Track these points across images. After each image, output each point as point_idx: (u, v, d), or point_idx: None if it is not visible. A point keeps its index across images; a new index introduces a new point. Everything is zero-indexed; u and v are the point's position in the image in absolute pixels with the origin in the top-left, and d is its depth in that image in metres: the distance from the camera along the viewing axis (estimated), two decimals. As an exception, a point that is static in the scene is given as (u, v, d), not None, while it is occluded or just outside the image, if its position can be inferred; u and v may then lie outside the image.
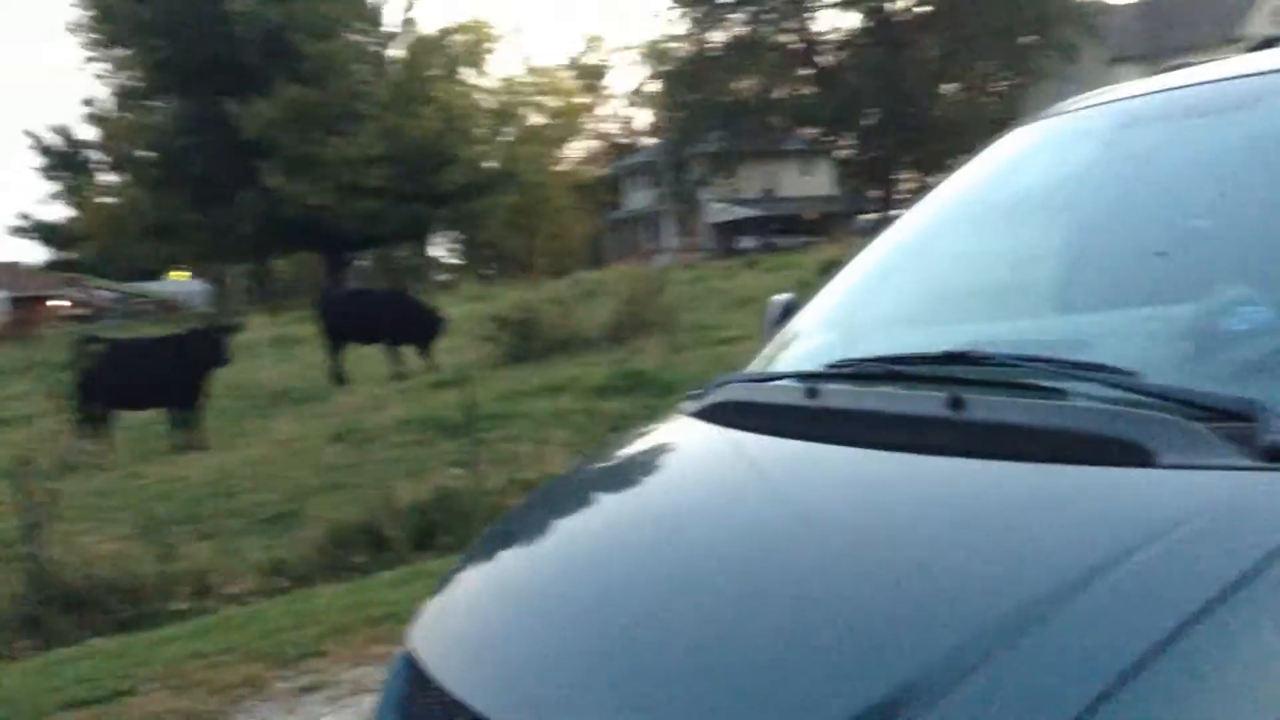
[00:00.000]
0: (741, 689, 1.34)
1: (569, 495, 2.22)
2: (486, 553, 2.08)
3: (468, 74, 46.00)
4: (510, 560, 2.01)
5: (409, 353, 14.90)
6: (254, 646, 4.94)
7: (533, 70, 51.00)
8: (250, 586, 6.42)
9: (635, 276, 17.86)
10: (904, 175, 40.20)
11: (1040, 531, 1.44)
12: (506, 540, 2.11)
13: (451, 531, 6.43)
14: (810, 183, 52.51)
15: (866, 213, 38.61)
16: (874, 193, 40.24)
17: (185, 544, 6.82)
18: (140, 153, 43.94)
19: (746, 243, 46.82)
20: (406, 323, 14.83)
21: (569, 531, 2.02)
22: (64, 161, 52.83)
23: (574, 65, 60.24)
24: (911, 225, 2.70)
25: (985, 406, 1.67)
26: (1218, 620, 1.16)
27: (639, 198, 58.30)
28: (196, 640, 5.23)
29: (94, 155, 50.44)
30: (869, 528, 1.61)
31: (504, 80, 48.23)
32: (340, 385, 14.33)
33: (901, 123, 37.38)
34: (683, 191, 45.58)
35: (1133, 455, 1.46)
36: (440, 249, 58.61)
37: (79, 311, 45.81)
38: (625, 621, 1.59)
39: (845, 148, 43.17)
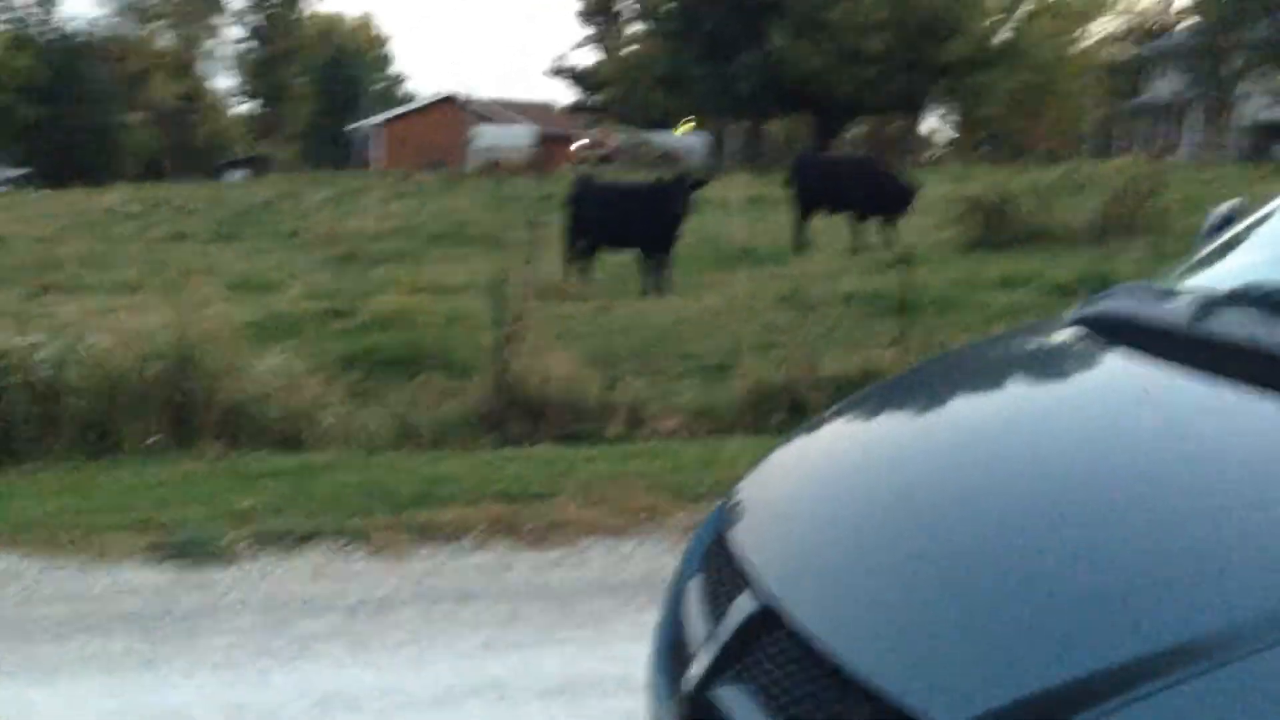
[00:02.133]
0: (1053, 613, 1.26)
1: (914, 387, 2.15)
2: (817, 426, 2.08)
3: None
4: (831, 440, 1.99)
5: (873, 226, 14.78)
6: (663, 479, 5.32)
7: (1064, -63, 46.98)
8: (676, 425, 6.87)
9: (1135, 171, 16.28)
10: None
11: None
12: (839, 417, 2.09)
13: (869, 408, 6.43)
14: (1385, 83, 44.39)
15: None
16: None
17: (630, 377, 7.39)
18: (661, 4, 46.28)
19: (1285, 148, 40.89)
20: (873, 194, 14.65)
21: (895, 425, 1.97)
22: (599, 8, 56.65)
23: (1114, -68, 54.52)
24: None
25: None
26: None
27: (1164, 86, 52.38)
28: (618, 463, 5.71)
29: (625, 4, 53.75)
30: (1192, 461, 1.44)
31: (1030, -54, 44.89)
32: (801, 250, 14.58)
33: None
34: (1217, 83, 40.41)
35: None
36: (934, 123, 56.75)
37: (593, 153, 49.75)
38: (941, 527, 1.52)
39: None
